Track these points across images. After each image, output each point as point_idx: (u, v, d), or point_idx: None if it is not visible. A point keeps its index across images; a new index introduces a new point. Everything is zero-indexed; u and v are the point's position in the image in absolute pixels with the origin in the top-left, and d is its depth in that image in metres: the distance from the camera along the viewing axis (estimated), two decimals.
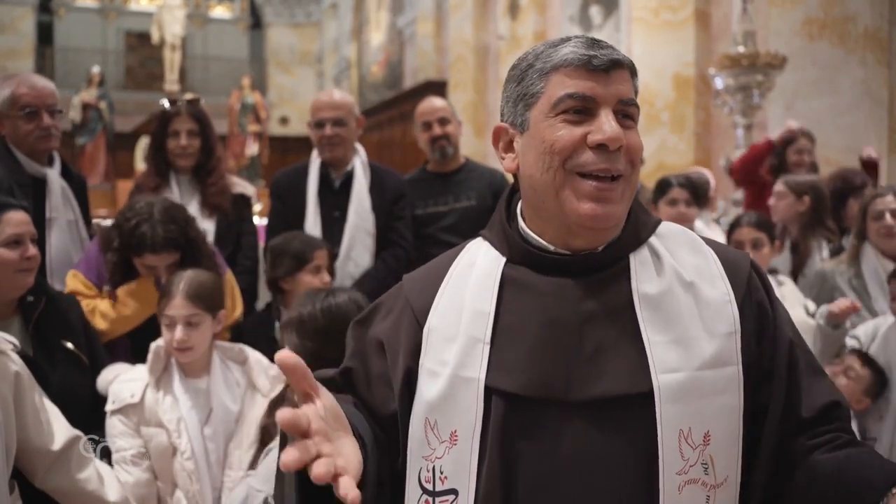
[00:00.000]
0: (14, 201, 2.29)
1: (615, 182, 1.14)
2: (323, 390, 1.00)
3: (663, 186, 3.64)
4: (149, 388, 2.25)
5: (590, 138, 1.13)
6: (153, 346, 2.31)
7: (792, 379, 1.16)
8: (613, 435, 1.09)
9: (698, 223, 3.90)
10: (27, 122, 2.84)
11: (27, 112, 2.84)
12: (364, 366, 1.28)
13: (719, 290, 1.16)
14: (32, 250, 2.24)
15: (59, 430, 1.98)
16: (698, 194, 3.91)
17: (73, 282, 2.67)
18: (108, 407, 2.24)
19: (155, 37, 15.64)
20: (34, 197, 2.82)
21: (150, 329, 2.49)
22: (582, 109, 1.14)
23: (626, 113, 1.16)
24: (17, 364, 1.89)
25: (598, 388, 1.10)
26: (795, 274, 3.58)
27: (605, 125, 1.13)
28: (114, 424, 2.23)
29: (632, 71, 1.19)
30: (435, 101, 3.69)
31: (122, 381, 2.28)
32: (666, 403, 1.08)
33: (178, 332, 2.24)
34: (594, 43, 1.17)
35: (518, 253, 1.20)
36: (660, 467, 1.07)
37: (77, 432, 2.03)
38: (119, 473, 2.18)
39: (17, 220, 2.22)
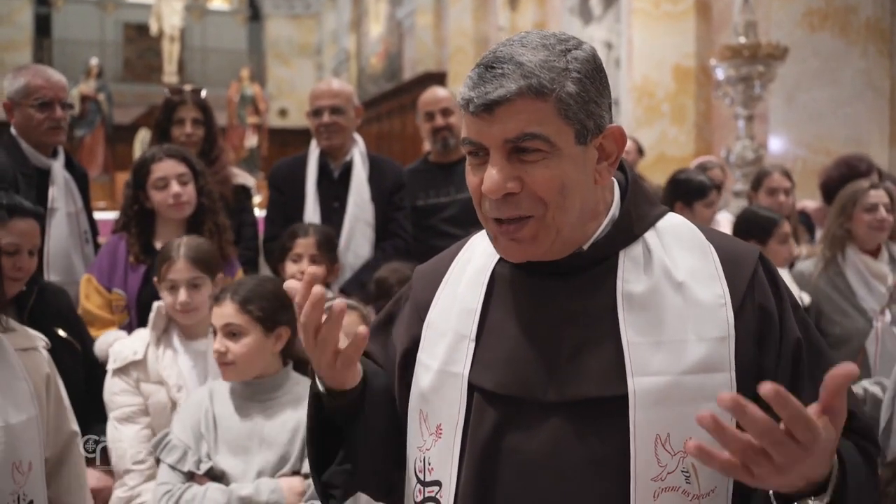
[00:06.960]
0: (31, 207, 2.26)
1: (523, 222, 1.09)
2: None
3: (703, 189, 3.64)
4: (150, 345, 2.29)
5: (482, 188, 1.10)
6: (155, 305, 2.35)
7: (796, 385, 1.08)
8: (589, 436, 1.07)
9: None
10: (40, 111, 2.90)
11: (41, 103, 2.90)
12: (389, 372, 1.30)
13: (713, 293, 1.10)
14: (26, 262, 2.21)
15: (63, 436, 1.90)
16: None
17: (87, 287, 2.65)
18: (110, 366, 2.28)
19: (153, 28, 15.61)
20: (38, 188, 2.87)
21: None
22: (477, 152, 1.10)
23: (522, 148, 1.06)
24: (48, 364, 1.85)
25: (574, 390, 1.09)
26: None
27: (487, 174, 1.07)
28: (114, 383, 2.26)
29: (537, 92, 1.05)
30: (438, 92, 3.66)
31: (122, 342, 2.33)
32: (641, 407, 1.05)
33: (182, 294, 2.29)
34: (483, 76, 1.07)
35: None
36: (631, 471, 1.04)
37: (75, 429, 1.94)
38: (115, 431, 2.22)
39: (20, 230, 2.20)
